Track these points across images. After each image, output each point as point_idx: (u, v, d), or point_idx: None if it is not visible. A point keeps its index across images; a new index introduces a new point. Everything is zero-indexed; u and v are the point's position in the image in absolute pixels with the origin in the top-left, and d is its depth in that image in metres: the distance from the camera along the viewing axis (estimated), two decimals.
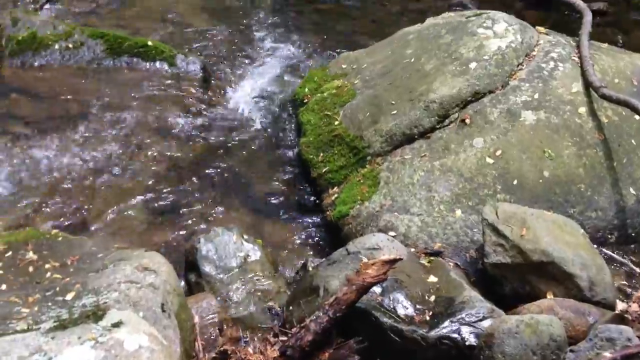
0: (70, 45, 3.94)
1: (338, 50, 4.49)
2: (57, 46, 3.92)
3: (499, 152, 2.80)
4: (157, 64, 4.03)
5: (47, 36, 3.92)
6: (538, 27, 3.33)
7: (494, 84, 2.99)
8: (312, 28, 4.83)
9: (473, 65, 3.04)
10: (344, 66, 3.75)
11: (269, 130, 3.74)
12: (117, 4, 4.79)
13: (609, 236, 2.80)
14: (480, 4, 5.25)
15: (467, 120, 2.92)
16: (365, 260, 2.22)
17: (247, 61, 4.36)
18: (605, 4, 5.08)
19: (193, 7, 4.93)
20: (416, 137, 3.01)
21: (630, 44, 4.36)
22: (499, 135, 2.84)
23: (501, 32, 3.15)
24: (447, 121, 2.98)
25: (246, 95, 4.02)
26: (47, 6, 4.54)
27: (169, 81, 3.96)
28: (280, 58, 4.40)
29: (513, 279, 2.42)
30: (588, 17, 3.35)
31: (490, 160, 2.78)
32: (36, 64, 3.85)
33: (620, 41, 4.65)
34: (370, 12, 5.11)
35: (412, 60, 3.31)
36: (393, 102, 3.15)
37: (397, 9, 5.21)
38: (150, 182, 3.26)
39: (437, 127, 2.99)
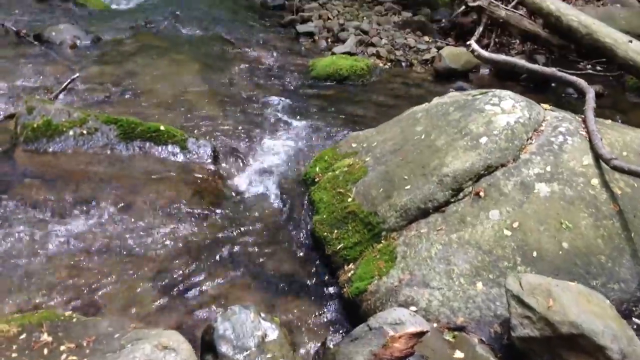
0: (85, 132, 4.02)
1: (345, 131, 4.59)
2: (71, 132, 3.99)
3: (516, 224, 2.80)
4: (169, 147, 4.09)
5: (62, 123, 4.00)
6: (543, 104, 3.43)
7: (505, 157, 3.04)
8: (318, 111, 4.96)
9: (484, 140, 3.10)
10: (354, 145, 3.82)
11: (281, 209, 3.75)
12: (130, 93, 4.94)
13: (634, 308, 2.74)
14: (479, 87, 5.43)
15: (482, 194, 2.94)
16: (392, 333, 2.16)
17: (256, 143, 4.44)
18: (600, 86, 5.26)
19: (202, 94, 5.08)
20: (431, 211, 3.02)
21: (630, 124, 4.48)
22: (514, 207, 2.85)
23: (508, 108, 3.24)
24: (461, 195, 3.00)
25: (256, 176, 4.07)
26: (62, 95, 4.67)
27: (180, 164, 4.00)
28: (288, 140, 4.49)
29: (542, 353, 2.34)
30: (591, 94, 3.45)
31: (507, 232, 2.77)
32: (50, 150, 3.90)
33: (620, 121, 4.77)
34: (374, 97, 5.28)
35: (423, 136, 3.38)
36: (406, 177, 3.18)
37: (399, 93, 5.38)
38: (163, 262, 3.22)
39: (452, 200, 3.00)
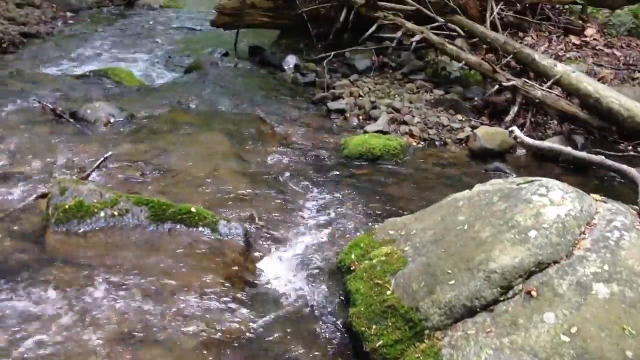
0: (116, 213, 3.96)
1: (380, 214, 4.46)
2: (102, 214, 3.93)
3: (574, 329, 2.58)
4: (200, 229, 4.00)
5: (94, 204, 3.95)
6: (593, 195, 3.27)
7: (558, 253, 2.86)
8: (351, 192, 4.85)
9: (533, 233, 2.93)
10: (391, 232, 3.67)
11: (314, 299, 3.57)
12: (162, 171, 4.91)
13: None
14: (516, 169, 5.31)
15: (534, 293, 2.75)
16: None
17: (288, 226, 4.32)
18: None
19: (234, 173, 5.03)
20: (478, 309, 2.82)
21: None
22: (571, 310, 2.64)
23: (557, 200, 3.08)
24: (510, 293, 2.80)
25: (289, 261, 3.93)
26: (94, 174, 4.65)
27: (211, 247, 3.89)
28: (321, 223, 4.36)
29: None
30: None
31: (565, 338, 2.56)
32: (81, 231, 3.84)
33: None
34: (408, 176, 5.17)
35: (466, 227, 3.22)
36: (449, 271, 3.01)
37: (434, 173, 5.27)
38: (191, 352, 3.05)
39: (501, 299, 2.80)
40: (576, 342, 2.55)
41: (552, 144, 4.36)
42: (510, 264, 2.84)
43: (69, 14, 11.74)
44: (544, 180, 3.29)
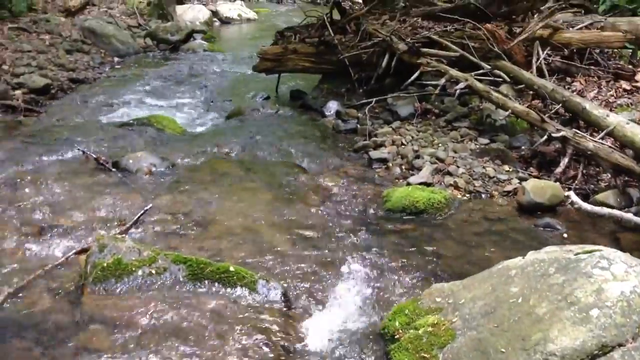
0: (154, 271, 3.89)
1: (425, 274, 4.28)
2: (140, 272, 3.87)
3: None
4: (238, 289, 3.89)
5: (132, 262, 3.89)
6: None
7: (623, 335, 2.62)
8: (394, 249, 4.67)
9: (595, 312, 2.70)
10: (438, 299, 3.48)
11: None
12: (201, 225, 4.85)
13: None
14: (568, 225, 5.05)
15: None
16: None
17: (329, 286, 4.17)
18: None
19: (273, 227, 4.93)
20: None
21: None
22: None
23: (621, 274, 2.85)
24: None
25: (330, 325, 3.75)
26: (133, 228, 4.62)
27: (249, 308, 3.78)
28: (363, 284, 4.19)
29: None
30: None
31: None
32: (118, 291, 3.77)
33: None
34: (454, 233, 4.96)
35: (520, 300, 3.01)
36: (503, 350, 2.80)
37: (481, 229, 5.04)
38: None
39: None
40: None
41: (611, 210, 4.11)
42: (571, 346, 2.62)
43: (116, 59, 12.07)
44: (605, 251, 3.06)
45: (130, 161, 5.83)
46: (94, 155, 5.87)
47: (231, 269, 3.97)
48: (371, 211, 5.34)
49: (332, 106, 8.45)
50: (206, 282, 3.92)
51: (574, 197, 3.62)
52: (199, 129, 7.85)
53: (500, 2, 8.69)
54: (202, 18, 17.02)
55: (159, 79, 10.58)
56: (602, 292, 2.79)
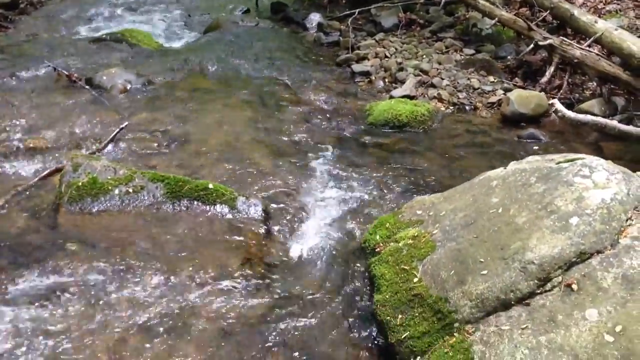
0: (130, 190, 3.80)
1: (407, 188, 4.24)
2: (116, 191, 3.79)
3: (618, 328, 2.35)
4: (218, 207, 3.83)
5: (108, 181, 3.80)
6: None
7: (601, 242, 2.61)
8: (376, 163, 4.61)
9: (574, 220, 2.68)
10: (418, 212, 3.45)
11: (338, 283, 3.40)
12: (179, 142, 4.73)
13: None
14: (552, 135, 4.99)
15: (574, 286, 2.52)
16: None
17: (310, 201, 4.13)
18: None
19: (253, 143, 4.83)
20: (513, 303, 2.61)
21: None
22: (616, 307, 2.41)
23: (602, 182, 2.81)
24: (549, 285, 2.58)
25: (311, 240, 3.74)
26: (110, 146, 4.50)
27: (229, 225, 3.74)
28: (345, 197, 4.16)
29: None
30: None
31: (609, 338, 2.34)
32: (94, 210, 3.70)
33: None
34: (437, 146, 4.90)
35: (500, 210, 2.98)
36: (482, 259, 2.79)
37: (464, 141, 4.98)
38: (206, 345, 2.92)
39: (538, 292, 2.58)
40: (621, 343, 2.32)
41: (594, 117, 4.02)
42: (549, 254, 2.61)
43: None
44: (587, 159, 3.01)
45: (104, 78, 5.62)
46: (66, 72, 5.64)
47: (210, 186, 3.90)
48: (353, 125, 5.24)
49: (314, 18, 8.15)
50: (185, 200, 3.84)
51: (558, 105, 3.53)
52: (176, 44, 7.57)
53: None
54: None
55: None
56: (582, 200, 2.75)
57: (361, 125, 5.25)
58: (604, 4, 7.40)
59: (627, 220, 2.69)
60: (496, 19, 6.31)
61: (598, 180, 2.83)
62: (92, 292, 3.17)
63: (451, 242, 3.02)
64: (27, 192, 3.95)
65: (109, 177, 3.84)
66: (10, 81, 5.60)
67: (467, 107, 5.57)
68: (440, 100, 5.60)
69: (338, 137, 5.00)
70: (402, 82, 5.96)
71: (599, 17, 6.62)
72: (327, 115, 5.41)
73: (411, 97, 5.61)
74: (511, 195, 3.03)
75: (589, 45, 5.54)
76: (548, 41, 5.57)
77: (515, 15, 6.52)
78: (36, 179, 4.05)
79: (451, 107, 5.56)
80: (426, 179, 4.35)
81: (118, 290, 3.20)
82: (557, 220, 2.72)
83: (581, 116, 3.91)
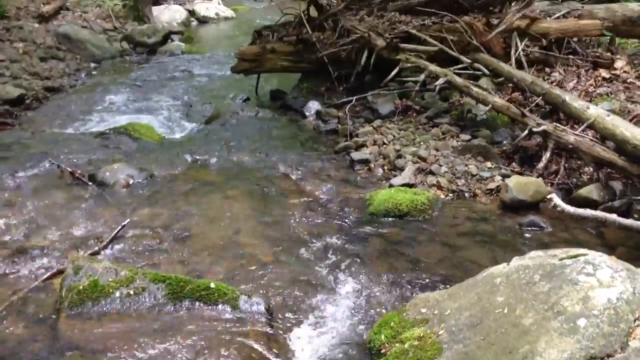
0: (132, 292, 3.78)
1: (410, 281, 4.21)
2: (117, 294, 3.76)
3: None
4: (220, 307, 3.79)
5: (109, 284, 3.78)
6: None
7: (611, 345, 2.56)
8: (378, 255, 4.60)
9: (582, 322, 2.64)
10: (423, 310, 3.41)
11: None
12: (181, 238, 4.73)
13: None
14: (552, 222, 4.99)
15: None
16: None
17: (312, 299, 4.07)
18: None
19: (254, 237, 4.83)
20: None
21: None
22: None
23: (607, 280, 2.80)
24: None
25: (314, 339, 3.68)
26: (109, 248, 4.50)
27: (232, 326, 3.68)
28: (347, 294, 4.11)
29: None
30: None
31: None
32: (95, 314, 3.66)
33: None
34: (439, 235, 4.89)
35: (506, 310, 2.94)
36: None
37: (465, 229, 4.98)
38: None
39: None
40: None
41: (594, 212, 4.04)
42: (559, 359, 2.56)
43: (92, 64, 11.82)
44: (590, 255, 3.00)
45: (107, 173, 5.69)
46: (69, 169, 5.72)
47: (212, 285, 3.87)
48: (354, 216, 5.26)
49: (313, 106, 8.35)
50: (186, 301, 3.81)
51: (556, 200, 3.56)
52: (178, 136, 7.72)
53: None
54: (179, 18, 16.77)
55: (136, 84, 10.39)
56: (588, 300, 2.73)
57: (362, 215, 5.27)
58: (595, 87, 7.60)
59: (635, 321, 2.65)
60: (490, 105, 6.47)
61: (603, 279, 2.81)
62: None
63: (458, 344, 2.96)
64: (28, 297, 3.90)
65: (110, 280, 3.82)
66: (13, 179, 5.66)
67: (466, 194, 5.62)
68: (440, 187, 5.66)
69: (340, 229, 5.00)
70: (401, 169, 6.03)
71: (590, 100, 6.80)
72: (328, 205, 5.45)
73: (410, 185, 5.66)
74: (516, 294, 3.00)
75: (583, 131, 5.64)
76: (542, 127, 5.68)
77: (508, 100, 6.69)
78: (37, 282, 4.02)
79: (450, 195, 5.60)
80: (429, 271, 4.32)
81: None
82: (564, 322, 2.68)
83: (580, 210, 3.94)
